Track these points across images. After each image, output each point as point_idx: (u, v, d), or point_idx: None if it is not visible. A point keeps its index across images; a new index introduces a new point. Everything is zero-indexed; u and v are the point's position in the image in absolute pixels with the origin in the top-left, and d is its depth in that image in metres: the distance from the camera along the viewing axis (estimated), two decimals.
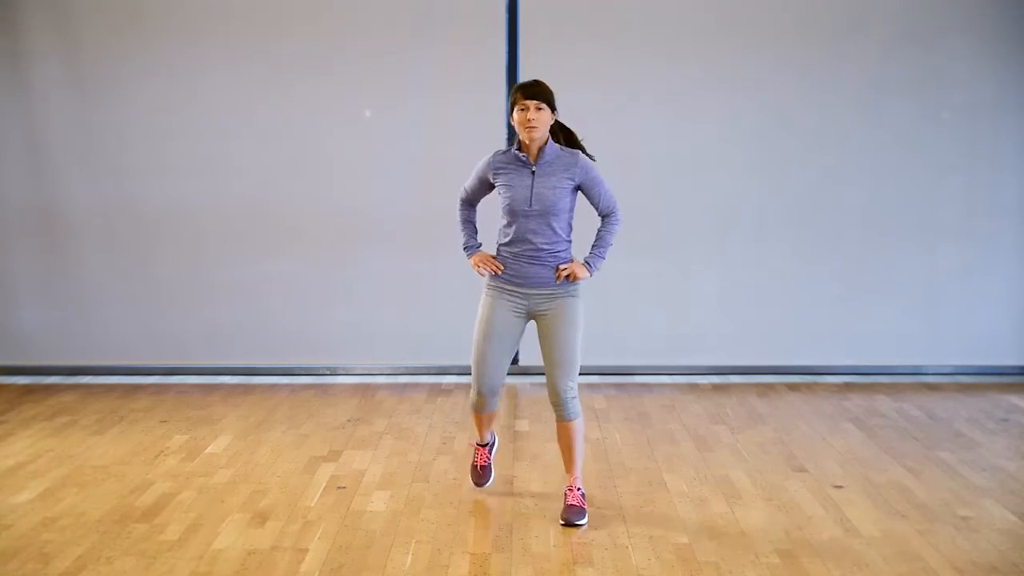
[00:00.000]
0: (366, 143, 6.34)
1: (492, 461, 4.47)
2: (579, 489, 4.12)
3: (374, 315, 6.44)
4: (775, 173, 6.38)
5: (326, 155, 6.34)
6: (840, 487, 4.43)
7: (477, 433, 4.43)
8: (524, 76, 6.22)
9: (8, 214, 6.38)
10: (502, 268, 4.13)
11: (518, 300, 4.13)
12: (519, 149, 4.10)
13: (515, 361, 6.48)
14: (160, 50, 6.25)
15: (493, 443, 4.52)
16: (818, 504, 4.23)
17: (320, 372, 6.51)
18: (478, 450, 4.45)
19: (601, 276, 6.24)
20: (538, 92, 4.01)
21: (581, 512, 4.05)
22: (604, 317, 6.43)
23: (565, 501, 4.10)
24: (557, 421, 4.12)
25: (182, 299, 6.43)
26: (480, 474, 4.42)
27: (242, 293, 6.43)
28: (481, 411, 4.28)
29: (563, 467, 4.24)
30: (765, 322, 6.47)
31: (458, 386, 6.21)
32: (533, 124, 3.99)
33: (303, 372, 6.49)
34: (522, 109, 4.01)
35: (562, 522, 4.02)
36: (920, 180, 6.39)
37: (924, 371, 6.50)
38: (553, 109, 4.05)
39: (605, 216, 4.21)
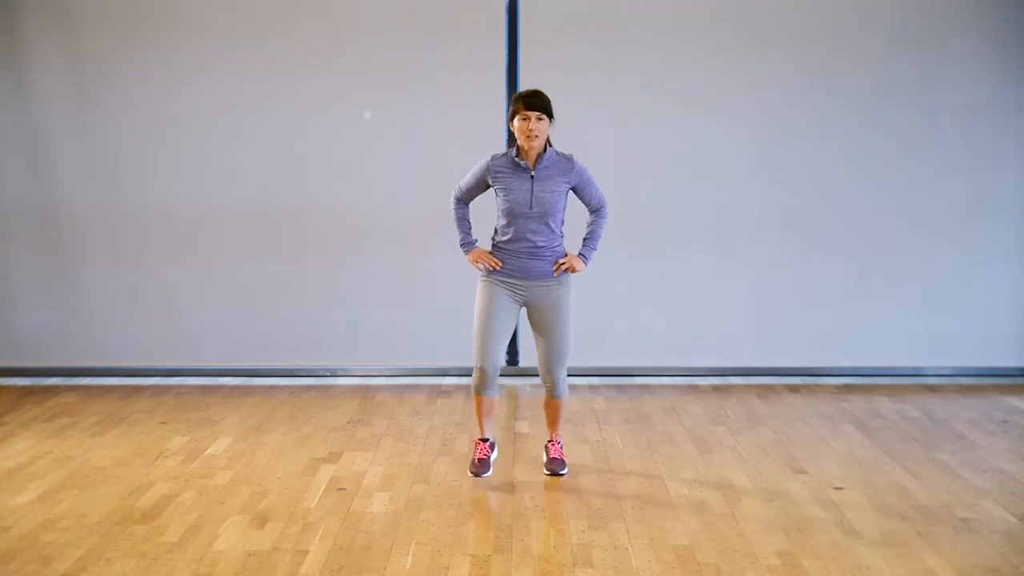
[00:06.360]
0: (366, 144, 6.34)
1: (492, 459, 4.62)
2: (559, 442, 4.65)
3: (374, 316, 6.44)
4: (775, 174, 6.38)
5: (326, 156, 6.34)
6: (840, 489, 4.43)
7: (478, 426, 4.61)
8: (524, 76, 6.24)
9: (8, 215, 6.38)
10: (500, 264, 4.40)
11: (516, 290, 4.44)
12: (517, 154, 4.34)
13: (515, 363, 6.49)
14: (160, 50, 6.25)
15: (493, 446, 4.68)
16: (818, 506, 4.22)
17: (320, 373, 6.50)
18: (479, 444, 4.60)
19: (601, 277, 6.34)
20: (540, 103, 4.28)
21: (563, 463, 4.59)
22: (604, 318, 6.44)
23: (548, 454, 4.62)
24: (547, 396, 4.58)
25: (182, 300, 6.43)
26: (478, 465, 4.54)
27: (242, 294, 6.43)
28: (483, 391, 4.48)
29: (546, 428, 4.71)
30: (765, 323, 6.47)
31: (458, 387, 6.20)
32: (535, 133, 4.26)
33: (303, 373, 6.49)
34: (523, 119, 4.27)
35: (547, 472, 4.56)
36: (920, 181, 6.39)
37: (924, 372, 6.50)
38: (551, 118, 4.31)
39: (596, 210, 4.52)
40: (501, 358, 4.49)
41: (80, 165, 6.32)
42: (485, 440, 4.61)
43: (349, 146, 6.33)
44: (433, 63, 6.26)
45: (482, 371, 4.44)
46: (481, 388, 4.49)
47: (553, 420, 4.64)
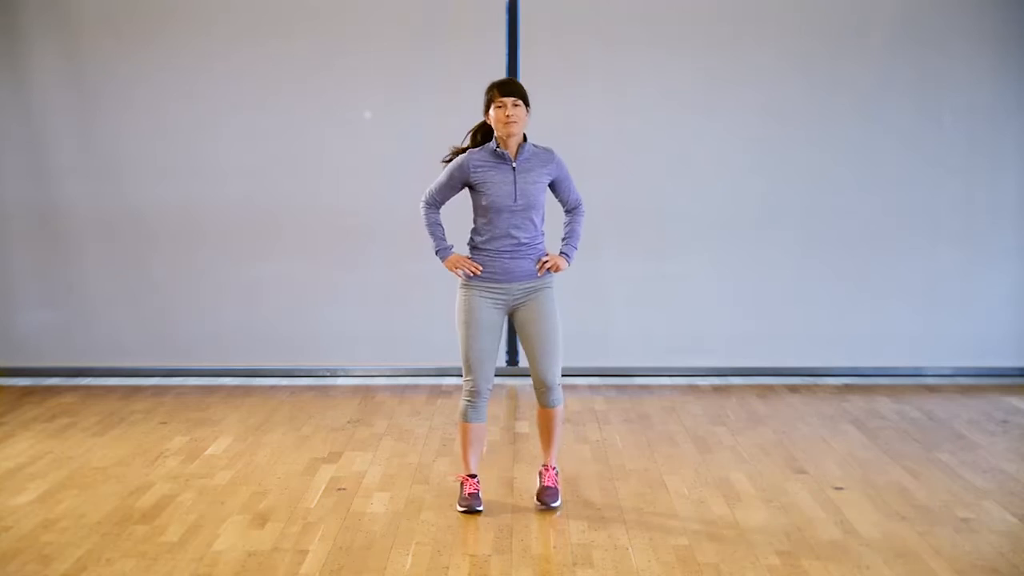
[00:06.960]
0: (366, 144, 6.34)
1: (480, 493, 4.23)
2: (554, 468, 4.27)
3: (374, 316, 6.44)
4: (775, 174, 6.39)
5: (327, 156, 6.34)
6: (840, 489, 4.43)
7: (463, 460, 4.24)
8: (524, 76, 6.23)
9: (8, 215, 6.38)
10: (480, 268, 4.16)
11: (498, 296, 4.16)
12: (497, 146, 4.15)
13: (515, 363, 6.49)
14: (160, 50, 6.26)
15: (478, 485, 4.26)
16: (818, 506, 4.22)
17: (320, 374, 6.50)
18: (466, 481, 4.21)
19: (601, 277, 6.35)
20: (515, 89, 4.12)
21: (556, 494, 4.22)
22: (604, 318, 6.44)
23: (541, 482, 4.25)
24: (540, 407, 4.22)
25: (182, 300, 6.43)
26: (470, 499, 4.16)
27: (242, 294, 6.44)
28: (472, 417, 4.16)
29: (541, 450, 4.34)
30: (765, 323, 6.47)
31: (458, 387, 6.20)
32: (512, 119, 4.07)
33: (303, 373, 6.49)
34: (499, 106, 4.09)
35: (539, 504, 4.20)
36: (921, 181, 6.39)
37: (924, 373, 6.50)
38: (527, 106, 4.14)
39: (572, 209, 4.32)
40: (492, 374, 4.16)
41: (80, 165, 6.32)
42: (473, 476, 4.20)
43: (350, 146, 6.33)
44: (433, 63, 6.26)
45: (475, 391, 4.12)
46: (470, 412, 4.15)
47: (548, 439, 4.26)
